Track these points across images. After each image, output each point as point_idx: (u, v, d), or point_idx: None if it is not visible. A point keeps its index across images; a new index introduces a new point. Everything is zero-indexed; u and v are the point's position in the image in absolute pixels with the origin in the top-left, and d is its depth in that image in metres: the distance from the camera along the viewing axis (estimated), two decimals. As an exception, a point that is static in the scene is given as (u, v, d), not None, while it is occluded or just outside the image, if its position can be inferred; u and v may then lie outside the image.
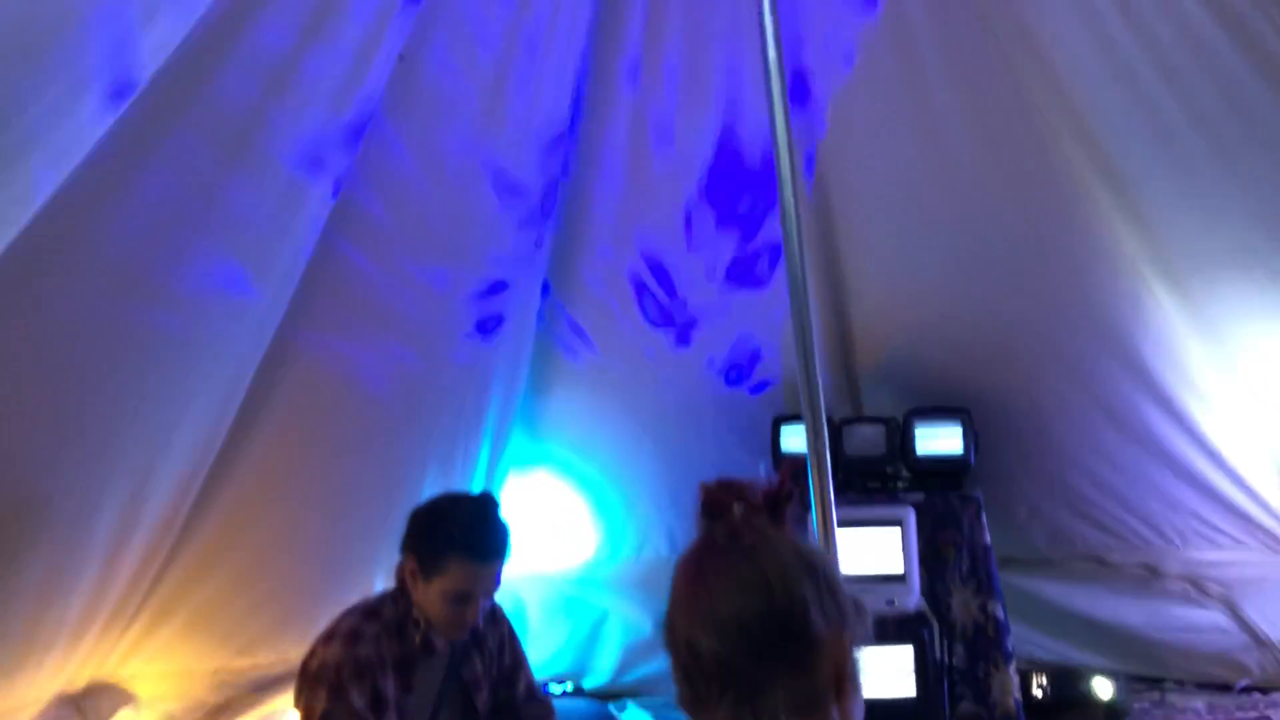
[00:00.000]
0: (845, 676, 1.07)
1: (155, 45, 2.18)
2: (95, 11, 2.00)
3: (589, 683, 4.06)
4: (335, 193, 2.88)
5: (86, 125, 2.14)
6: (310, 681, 2.23)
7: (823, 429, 2.27)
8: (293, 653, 2.56)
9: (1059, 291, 3.48)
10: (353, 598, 2.45)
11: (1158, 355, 3.42)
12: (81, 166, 2.18)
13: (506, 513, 2.38)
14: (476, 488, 3.65)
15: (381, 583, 3.07)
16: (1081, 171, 3.20)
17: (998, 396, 3.66)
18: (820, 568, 1.09)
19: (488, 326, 3.52)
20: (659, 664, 1.19)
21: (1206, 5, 2.64)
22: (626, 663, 4.00)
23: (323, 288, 3.01)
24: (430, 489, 3.30)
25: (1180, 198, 3.10)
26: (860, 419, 3.71)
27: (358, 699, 2.18)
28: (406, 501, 3.33)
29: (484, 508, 2.38)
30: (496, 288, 3.48)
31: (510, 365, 3.75)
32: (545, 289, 3.75)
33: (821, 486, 2.23)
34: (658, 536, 4.06)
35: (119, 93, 2.15)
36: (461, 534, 2.28)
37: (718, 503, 1.15)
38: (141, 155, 2.35)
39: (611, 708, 3.85)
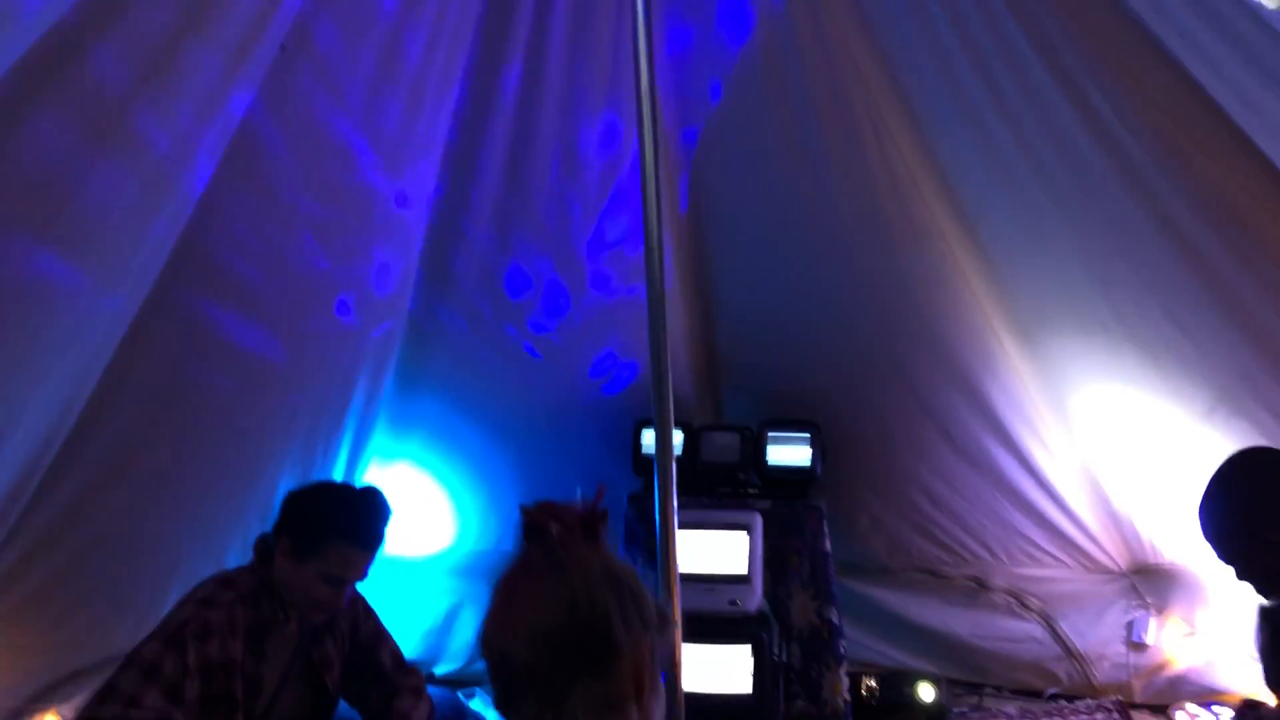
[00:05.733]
0: (646, 678, 1.18)
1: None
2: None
3: (441, 669, 4.09)
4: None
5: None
6: (152, 635, 2.25)
7: (669, 433, 2.40)
8: (125, 645, 2.40)
9: (912, 326, 3.66)
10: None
11: (1000, 394, 3.65)
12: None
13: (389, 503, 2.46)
14: (336, 479, 3.64)
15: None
16: (939, 220, 3.38)
17: (848, 414, 3.84)
18: (626, 582, 1.20)
19: (353, 316, 3.51)
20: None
21: (1039, 53, 2.78)
22: (478, 652, 4.03)
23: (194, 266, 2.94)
24: (286, 482, 3.26)
25: (1027, 253, 3.33)
26: (718, 427, 3.86)
27: (193, 657, 2.18)
28: (262, 495, 3.31)
29: (371, 497, 2.46)
30: (367, 276, 3.49)
31: (376, 359, 3.74)
32: (417, 284, 3.74)
33: (664, 489, 2.38)
34: (516, 531, 4.09)
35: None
36: (348, 520, 2.37)
37: (536, 524, 1.25)
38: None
39: (461, 695, 3.89)
